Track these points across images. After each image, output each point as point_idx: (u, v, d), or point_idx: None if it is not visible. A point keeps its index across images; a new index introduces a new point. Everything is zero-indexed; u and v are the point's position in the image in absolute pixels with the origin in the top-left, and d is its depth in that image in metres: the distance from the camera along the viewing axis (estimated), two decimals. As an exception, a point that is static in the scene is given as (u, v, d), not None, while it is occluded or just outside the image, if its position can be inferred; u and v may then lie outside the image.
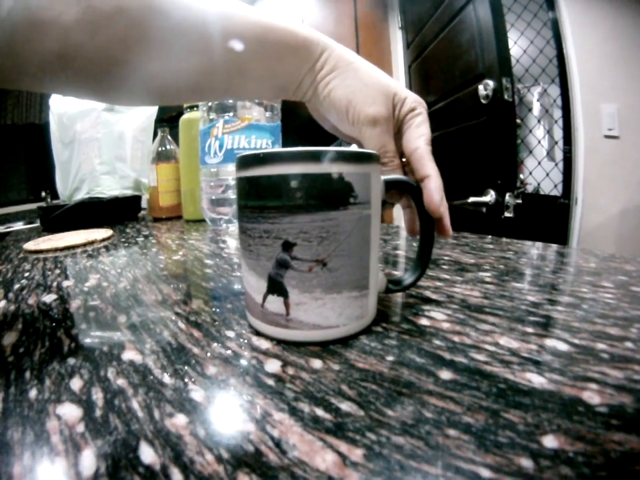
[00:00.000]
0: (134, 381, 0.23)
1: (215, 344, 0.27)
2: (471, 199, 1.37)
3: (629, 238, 1.54)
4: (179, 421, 0.19)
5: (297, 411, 0.19)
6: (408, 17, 2.28)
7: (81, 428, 0.18)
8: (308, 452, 0.16)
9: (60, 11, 0.27)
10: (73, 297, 0.40)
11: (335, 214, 0.25)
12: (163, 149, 1.08)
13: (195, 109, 0.95)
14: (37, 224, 1.18)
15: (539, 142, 1.78)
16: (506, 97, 1.26)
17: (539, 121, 1.79)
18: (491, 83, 1.29)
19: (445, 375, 0.22)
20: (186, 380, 0.23)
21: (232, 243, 0.68)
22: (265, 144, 0.81)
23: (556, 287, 0.39)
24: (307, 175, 0.24)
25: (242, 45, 0.33)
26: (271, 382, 0.22)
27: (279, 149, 0.26)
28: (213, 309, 0.35)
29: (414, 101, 0.36)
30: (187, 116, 0.97)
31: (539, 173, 1.77)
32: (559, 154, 1.67)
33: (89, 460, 0.16)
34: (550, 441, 0.16)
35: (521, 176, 1.79)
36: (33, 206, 2.69)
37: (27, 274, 0.51)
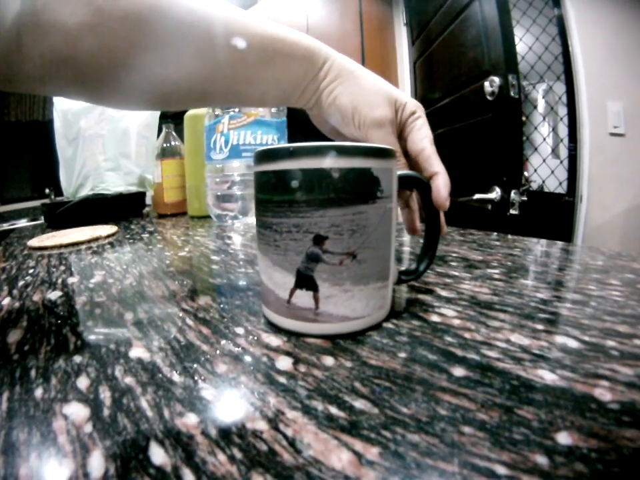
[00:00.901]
0: (142, 379, 0.23)
1: (224, 341, 0.27)
2: (477, 196, 1.37)
3: (634, 236, 1.54)
4: (189, 420, 0.19)
5: (311, 409, 0.19)
6: (413, 13, 2.28)
7: (88, 428, 0.18)
8: (323, 451, 0.16)
9: (67, 13, 0.27)
10: (79, 294, 0.40)
11: (364, 207, 0.26)
12: (168, 145, 1.08)
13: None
14: (41, 221, 1.18)
15: (544, 139, 1.77)
16: (512, 93, 1.26)
17: (544, 118, 1.78)
18: (496, 80, 1.29)
19: (458, 371, 0.22)
20: (196, 378, 0.22)
21: (238, 239, 0.68)
22: (270, 140, 0.81)
23: (564, 284, 0.39)
24: (341, 169, 0.25)
25: (247, 51, 0.33)
26: (282, 379, 0.22)
27: (308, 143, 0.26)
28: (221, 306, 0.35)
29: (414, 105, 0.38)
30: (192, 112, 0.97)
31: (543, 170, 1.77)
32: (563, 151, 1.67)
33: (97, 461, 0.16)
34: (564, 438, 0.16)
35: (526, 173, 1.79)
36: (37, 203, 2.70)
37: (31, 271, 0.51)
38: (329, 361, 0.24)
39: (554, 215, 1.64)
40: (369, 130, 0.36)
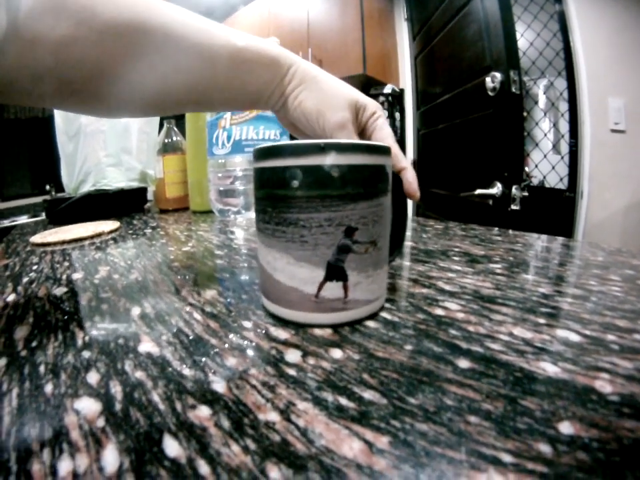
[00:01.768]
0: (153, 374, 0.23)
1: (233, 335, 0.28)
2: (478, 191, 1.37)
3: (634, 232, 1.54)
4: (202, 413, 0.19)
5: (321, 400, 0.19)
6: (414, 8, 2.27)
7: (101, 422, 0.18)
8: (334, 440, 0.17)
9: (49, 27, 0.28)
10: (84, 290, 0.40)
11: (382, 199, 0.29)
12: (169, 140, 1.08)
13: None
14: (42, 217, 1.18)
15: (545, 135, 1.77)
16: (513, 89, 1.26)
17: (545, 114, 1.78)
18: (498, 76, 1.28)
19: (463, 363, 0.22)
20: (206, 371, 0.23)
21: (241, 234, 0.69)
22: (273, 135, 0.81)
23: (565, 279, 0.39)
24: (369, 166, 0.28)
25: (217, 61, 0.36)
26: (292, 372, 0.22)
27: (340, 140, 0.28)
28: (228, 300, 0.35)
29: (374, 106, 0.41)
30: (193, 108, 0.97)
31: (544, 165, 1.77)
32: (564, 147, 1.67)
33: (112, 455, 0.16)
34: (566, 428, 0.17)
35: (527, 169, 1.79)
36: (37, 199, 2.69)
37: (35, 267, 0.50)
38: (337, 353, 0.24)
39: (555, 211, 1.65)
40: (333, 132, 0.38)
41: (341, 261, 0.27)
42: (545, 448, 0.16)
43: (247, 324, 0.29)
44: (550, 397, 0.19)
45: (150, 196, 1.24)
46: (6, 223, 2.08)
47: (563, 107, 1.67)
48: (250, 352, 0.25)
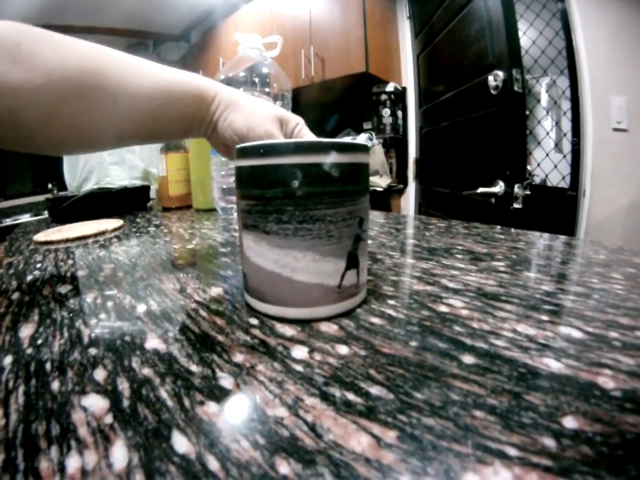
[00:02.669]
0: (160, 370, 0.23)
1: (239, 331, 0.28)
2: (480, 190, 1.37)
3: (636, 230, 1.54)
4: (210, 409, 0.19)
5: (328, 396, 0.20)
6: (416, 6, 2.27)
7: (109, 419, 0.18)
8: (343, 435, 0.17)
9: (5, 71, 0.30)
10: (89, 287, 0.40)
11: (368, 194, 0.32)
12: (172, 139, 1.08)
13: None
14: (45, 215, 1.18)
15: (547, 133, 1.77)
16: (516, 88, 1.26)
17: (547, 112, 1.78)
18: (500, 74, 1.28)
19: (468, 359, 0.23)
20: (213, 367, 0.23)
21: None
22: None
23: (567, 277, 0.39)
24: (367, 163, 0.32)
25: (148, 98, 0.38)
26: (299, 368, 0.23)
27: (353, 141, 0.29)
28: (233, 297, 0.35)
29: (296, 118, 0.45)
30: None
31: (546, 164, 1.77)
32: (567, 146, 1.67)
33: (120, 451, 0.16)
34: (570, 422, 0.17)
35: (529, 167, 1.79)
36: (39, 198, 2.70)
37: (39, 265, 0.50)
38: (343, 349, 0.25)
39: (557, 209, 1.64)
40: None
41: (355, 249, 0.30)
42: (549, 442, 0.16)
43: (253, 321, 0.30)
44: (554, 392, 0.19)
45: (153, 194, 1.25)
46: (8, 221, 2.09)
47: (565, 105, 1.67)
48: (257, 348, 0.25)
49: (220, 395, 0.20)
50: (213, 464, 0.15)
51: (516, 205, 1.29)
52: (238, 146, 0.31)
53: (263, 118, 0.42)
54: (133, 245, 0.61)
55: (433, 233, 0.62)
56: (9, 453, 0.16)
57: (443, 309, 0.31)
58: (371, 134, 2.31)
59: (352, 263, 0.30)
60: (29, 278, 0.44)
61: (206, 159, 0.90)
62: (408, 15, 2.36)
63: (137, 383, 0.22)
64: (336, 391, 0.20)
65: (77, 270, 0.47)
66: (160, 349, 0.26)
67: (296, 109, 0.89)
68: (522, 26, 1.63)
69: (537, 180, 1.79)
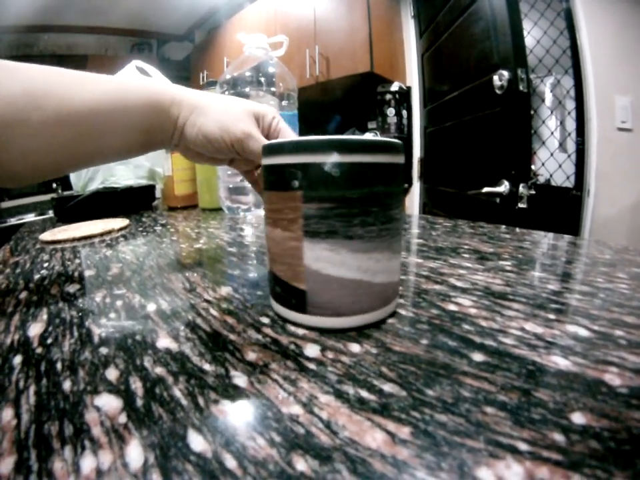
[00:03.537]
0: (173, 369, 0.23)
1: (251, 330, 0.28)
2: (485, 189, 1.37)
3: (641, 230, 1.54)
4: (225, 407, 0.19)
5: (342, 393, 0.20)
6: (421, 5, 2.26)
7: (122, 419, 0.18)
8: (358, 432, 0.17)
9: None
10: (97, 287, 0.40)
11: None
12: (178, 138, 1.08)
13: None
14: (50, 215, 1.18)
15: (552, 133, 1.77)
16: (521, 87, 1.26)
17: (551, 112, 1.78)
18: (505, 74, 1.28)
19: (477, 357, 0.23)
20: (227, 366, 0.23)
21: (251, 231, 0.69)
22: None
23: (573, 277, 0.40)
24: None
25: (95, 118, 0.35)
26: (312, 366, 0.23)
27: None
28: (244, 296, 0.35)
29: (272, 111, 0.42)
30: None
31: (551, 164, 1.76)
32: (571, 145, 1.66)
33: (135, 451, 0.16)
34: (578, 418, 0.17)
35: (533, 167, 1.78)
36: (44, 197, 2.71)
37: (46, 264, 0.50)
38: (355, 347, 0.25)
39: (561, 209, 1.64)
40: (242, 144, 0.39)
41: None
42: (558, 437, 0.16)
43: (264, 319, 0.30)
44: (562, 389, 0.20)
45: (158, 193, 1.25)
46: (13, 220, 2.09)
47: (570, 105, 1.66)
48: (269, 347, 0.25)
49: (234, 393, 0.20)
50: (230, 462, 0.16)
51: (521, 205, 1.29)
52: (300, 139, 0.26)
53: (237, 116, 0.40)
54: (140, 244, 0.61)
55: (439, 233, 0.62)
56: (22, 454, 0.16)
57: (452, 307, 0.31)
58: (376, 133, 2.32)
59: None
60: (36, 277, 0.44)
61: (212, 159, 0.90)
62: (412, 15, 2.36)
63: (150, 382, 0.22)
64: (349, 389, 0.20)
65: (84, 269, 0.47)
66: (172, 347, 0.26)
67: (300, 108, 0.90)
68: (526, 25, 1.62)
69: (542, 179, 1.79)
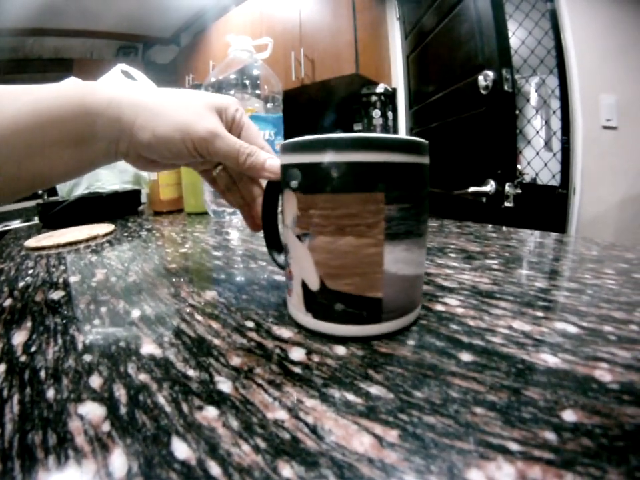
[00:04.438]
0: (157, 376, 0.22)
1: (236, 334, 0.28)
2: (471, 189, 1.38)
3: (627, 227, 1.56)
4: (209, 414, 0.19)
5: (328, 397, 0.20)
6: (406, 7, 2.28)
7: (106, 427, 0.18)
8: (344, 436, 0.17)
9: None
10: (82, 293, 0.39)
11: None
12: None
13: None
14: (36, 221, 1.16)
15: (537, 132, 1.79)
16: (506, 87, 1.27)
17: (537, 112, 1.79)
18: (490, 74, 1.29)
19: (465, 357, 0.23)
20: (211, 371, 0.23)
21: (237, 235, 0.69)
22: (267, 135, 0.81)
23: (560, 274, 0.40)
24: None
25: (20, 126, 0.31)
26: (297, 370, 0.22)
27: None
28: (228, 300, 0.35)
29: (233, 102, 0.37)
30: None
31: (537, 163, 1.78)
32: (556, 144, 1.68)
33: (119, 460, 0.16)
34: (569, 415, 0.17)
35: (519, 166, 1.80)
36: (29, 203, 2.67)
37: (30, 271, 0.49)
38: (340, 350, 0.25)
39: (547, 207, 1.66)
40: (209, 145, 0.34)
41: None
42: (550, 435, 0.16)
43: (249, 323, 0.29)
44: (552, 386, 0.19)
45: (144, 198, 1.24)
46: (-1, 227, 2.06)
47: (555, 104, 1.68)
48: (254, 351, 0.25)
49: (218, 399, 0.20)
50: (215, 470, 0.15)
51: (507, 204, 1.30)
52: (375, 136, 0.24)
53: (197, 113, 0.34)
54: (125, 250, 0.60)
55: (427, 233, 0.62)
56: (6, 464, 0.16)
57: (439, 307, 0.31)
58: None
59: None
60: (21, 284, 0.44)
61: (197, 162, 0.89)
62: (398, 16, 2.38)
63: (134, 389, 0.21)
64: (335, 392, 0.20)
65: (69, 276, 0.46)
66: (156, 354, 0.25)
67: (286, 111, 0.90)
68: (511, 26, 1.64)
69: (527, 178, 1.81)
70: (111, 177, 1.09)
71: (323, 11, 2.31)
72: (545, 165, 1.74)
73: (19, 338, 0.29)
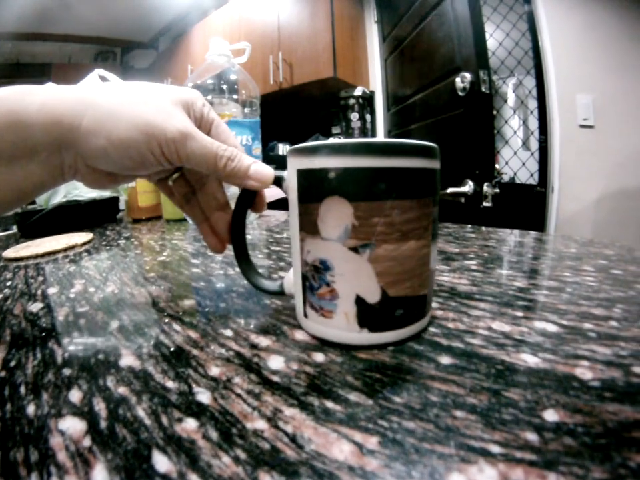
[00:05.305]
0: (136, 388, 0.22)
1: (214, 344, 0.27)
2: (450, 190, 1.39)
3: (605, 224, 1.59)
4: (189, 426, 0.18)
5: (307, 405, 0.19)
6: (384, 11, 2.29)
7: (87, 442, 0.18)
8: (324, 444, 0.17)
9: None
10: (60, 305, 0.38)
11: None
12: (141, 148, 1.06)
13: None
14: (14, 230, 1.14)
15: (515, 132, 1.81)
16: (483, 89, 1.28)
17: (514, 112, 1.82)
18: (468, 76, 1.31)
19: (445, 360, 0.23)
20: (190, 382, 0.22)
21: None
22: (245, 140, 0.80)
23: (540, 272, 0.40)
24: None
25: None
26: (276, 378, 0.22)
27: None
28: (206, 309, 0.34)
29: (199, 97, 0.31)
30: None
31: (514, 162, 1.81)
32: (534, 144, 1.71)
33: (101, 475, 0.16)
34: (551, 415, 0.17)
35: (497, 166, 1.82)
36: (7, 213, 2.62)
37: (9, 283, 0.48)
38: (319, 357, 0.24)
39: (526, 206, 1.68)
40: (180, 149, 0.28)
41: None
42: (531, 436, 0.16)
43: (228, 332, 0.29)
44: (532, 386, 0.19)
45: (122, 205, 1.22)
46: (-25, 238, 2.01)
47: (532, 104, 1.71)
48: (232, 361, 0.25)
49: (198, 410, 0.20)
50: (196, 482, 0.15)
51: (486, 204, 1.31)
52: (433, 145, 0.24)
53: (163, 110, 0.27)
54: (104, 259, 0.59)
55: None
56: None
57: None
58: (340, 138, 2.32)
59: None
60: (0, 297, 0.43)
61: (176, 168, 0.88)
62: (376, 19, 2.39)
63: (114, 402, 0.21)
64: (315, 400, 0.20)
65: (47, 287, 0.45)
66: (135, 365, 0.25)
67: (263, 115, 0.89)
68: (489, 28, 1.67)
69: (506, 178, 1.83)
70: (89, 185, 1.06)
71: (301, 15, 2.32)
72: (523, 164, 1.77)
73: (-2, 354, 0.28)
